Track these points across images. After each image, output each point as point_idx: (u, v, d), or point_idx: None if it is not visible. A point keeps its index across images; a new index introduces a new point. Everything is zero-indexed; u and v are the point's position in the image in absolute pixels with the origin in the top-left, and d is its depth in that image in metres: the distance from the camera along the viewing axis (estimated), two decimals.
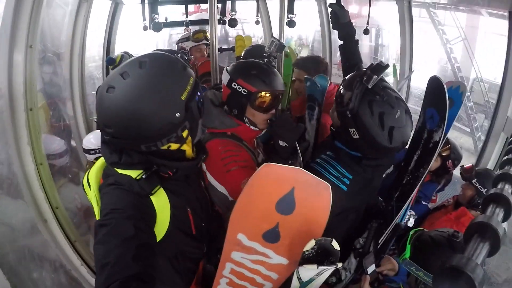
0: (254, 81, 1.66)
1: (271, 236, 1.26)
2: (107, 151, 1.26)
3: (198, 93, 1.27)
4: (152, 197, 1.24)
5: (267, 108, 1.70)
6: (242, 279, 1.42)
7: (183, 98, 1.19)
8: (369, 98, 1.56)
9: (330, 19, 2.20)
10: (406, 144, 1.68)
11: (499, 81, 2.65)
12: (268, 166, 1.16)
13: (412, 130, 1.73)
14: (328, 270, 1.01)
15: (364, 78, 1.55)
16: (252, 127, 1.75)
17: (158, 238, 1.26)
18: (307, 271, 1.02)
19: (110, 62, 3.33)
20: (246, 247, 1.32)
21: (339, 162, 1.72)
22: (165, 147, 1.24)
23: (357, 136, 1.59)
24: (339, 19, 2.10)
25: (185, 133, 1.25)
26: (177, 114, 1.18)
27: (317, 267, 0.99)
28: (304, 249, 1.04)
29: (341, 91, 1.68)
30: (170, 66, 1.21)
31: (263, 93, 1.67)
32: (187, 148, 1.32)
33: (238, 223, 1.28)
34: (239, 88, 1.65)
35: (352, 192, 1.71)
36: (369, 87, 1.55)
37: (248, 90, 1.65)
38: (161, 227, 1.27)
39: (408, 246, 1.43)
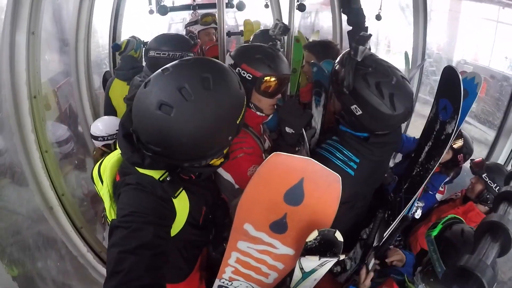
0: (259, 65, 1.59)
1: (278, 227, 1.25)
2: (129, 150, 1.19)
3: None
4: (174, 200, 1.23)
5: (273, 93, 1.65)
6: (247, 268, 1.41)
7: (238, 122, 1.17)
8: (362, 72, 1.53)
9: (340, 4, 2.16)
10: (412, 111, 1.63)
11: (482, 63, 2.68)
12: (277, 156, 1.13)
13: (413, 95, 1.69)
14: (331, 261, 0.99)
15: (352, 52, 1.53)
16: (258, 113, 1.71)
17: (173, 234, 1.27)
18: (310, 262, 1.02)
19: (116, 48, 3.30)
20: (253, 237, 1.30)
21: (345, 145, 1.68)
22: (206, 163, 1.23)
23: (360, 112, 1.56)
24: (350, 3, 2.05)
25: (226, 150, 1.26)
26: (230, 138, 1.17)
27: (319, 259, 0.99)
28: (307, 240, 1.03)
29: (334, 72, 1.65)
30: (233, 87, 1.16)
31: (268, 78, 1.61)
32: (217, 161, 1.32)
33: (245, 213, 1.26)
34: (244, 73, 1.59)
35: (359, 177, 1.68)
36: (359, 59, 1.52)
37: (253, 75, 1.59)
38: (178, 225, 1.28)
39: (440, 226, 1.40)
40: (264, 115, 1.72)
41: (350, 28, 2.19)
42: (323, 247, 1.02)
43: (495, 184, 2.24)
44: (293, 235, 1.25)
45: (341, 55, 1.67)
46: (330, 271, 1.19)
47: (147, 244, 1.06)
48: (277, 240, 1.29)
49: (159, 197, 1.17)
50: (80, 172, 2.97)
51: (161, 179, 1.18)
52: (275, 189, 1.18)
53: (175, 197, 1.21)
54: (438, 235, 1.39)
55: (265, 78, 1.60)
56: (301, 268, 1.04)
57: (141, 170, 1.20)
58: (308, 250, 1.02)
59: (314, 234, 1.02)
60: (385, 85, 1.52)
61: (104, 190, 1.30)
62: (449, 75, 1.76)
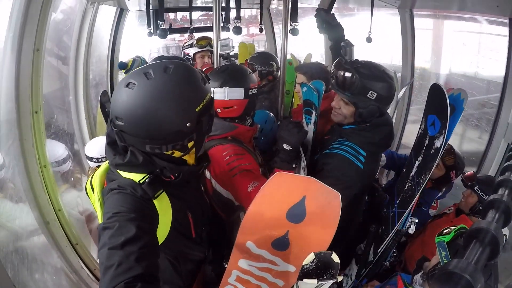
0: (253, 77, 1.82)
1: (280, 244, 1.28)
2: (111, 153, 1.28)
3: (211, 111, 1.29)
4: (155, 201, 1.25)
5: None
6: (248, 286, 1.43)
7: (197, 110, 1.20)
8: (357, 67, 1.79)
9: (317, 25, 2.28)
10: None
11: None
12: (280, 175, 1.18)
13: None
14: (328, 283, 1.02)
15: (346, 56, 1.86)
16: (247, 126, 1.83)
17: (161, 241, 1.27)
18: (307, 285, 1.02)
19: (122, 66, 3.37)
20: (254, 254, 1.33)
21: (351, 141, 1.85)
22: (168, 152, 1.26)
23: (375, 94, 1.77)
24: (328, 23, 2.18)
25: (190, 144, 1.27)
26: (188, 124, 1.19)
27: (317, 281, 0.99)
28: (304, 263, 1.04)
29: (338, 81, 1.85)
30: (193, 76, 1.23)
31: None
32: (189, 158, 1.34)
33: (248, 231, 1.29)
34: (253, 91, 1.79)
35: (368, 170, 1.85)
36: (352, 58, 1.86)
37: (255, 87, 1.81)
38: (163, 230, 1.29)
39: (453, 234, 1.45)
40: (252, 125, 1.85)
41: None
42: (319, 269, 1.04)
43: (487, 196, 2.27)
44: (295, 252, 1.28)
45: (334, 64, 1.93)
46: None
47: (133, 238, 1.10)
48: (279, 257, 1.32)
49: (140, 198, 1.22)
50: (76, 190, 2.96)
51: (141, 181, 1.23)
52: (278, 207, 1.22)
53: (155, 198, 1.25)
54: (450, 242, 1.43)
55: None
56: None
57: (123, 174, 1.26)
58: (306, 273, 1.03)
59: (311, 257, 1.03)
60: (375, 67, 1.82)
61: (95, 199, 1.35)
62: (436, 92, 1.84)
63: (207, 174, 1.69)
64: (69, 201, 2.72)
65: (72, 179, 2.99)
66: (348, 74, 1.78)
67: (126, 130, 1.20)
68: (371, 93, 1.77)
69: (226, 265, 1.45)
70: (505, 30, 2.54)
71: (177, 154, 1.29)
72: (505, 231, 2.00)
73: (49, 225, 2.12)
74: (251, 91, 1.76)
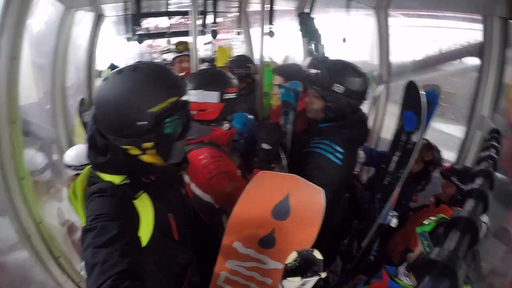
0: (233, 82, 1.83)
1: (267, 242, 1.30)
2: (93, 155, 1.30)
3: (179, 118, 1.29)
4: (136, 202, 1.27)
5: None
6: (236, 287, 1.43)
7: (150, 110, 1.21)
8: (325, 62, 1.93)
9: (299, 28, 2.34)
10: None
11: None
12: (263, 174, 1.20)
13: None
14: (313, 280, 1.03)
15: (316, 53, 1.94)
16: (224, 129, 1.84)
17: (144, 243, 1.28)
18: (292, 283, 1.04)
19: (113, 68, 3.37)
20: (242, 254, 1.34)
21: (329, 139, 1.90)
22: (124, 147, 1.28)
23: (343, 88, 1.86)
24: (308, 28, 2.24)
25: (148, 145, 1.27)
26: (139, 123, 1.21)
27: (301, 279, 1.01)
28: (286, 262, 1.06)
29: (308, 76, 1.98)
30: (156, 78, 1.26)
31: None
32: (147, 158, 1.33)
33: (234, 231, 1.30)
34: (230, 95, 1.78)
35: (345, 166, 1.89)
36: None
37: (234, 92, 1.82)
38: (146, 231, 1.29)
39: (433, 224, 1.49)
40: (229, 129, 1.86)
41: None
42: (303, 267, 1.05)
43: (465, 186, 2.35)
44: (281, 249, 1.30)
45: (308, 64, 2.07)
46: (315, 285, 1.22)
47: (116, 236, 1.11)
48: (266, 255, 1.33)
49: (120, 199, 1.24)
50: (57, 201, 2.90)
51: (121, 183, 1.26)
52: (263, 205, 1.24)
53: (135, 199, 1.26)
54: (432, 231, 1.47)
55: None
56: None
57: (104, 177, 1.28)
58: (289, 271, 1.04)
59: (293, 256, 1.05)
60: (344, 63, 1.94)
61: (78, 205, 1.35)
62: (412, 89, 1.91)
63: (186, 178, 1.69)
64: (49, 212, 2.66)
65: (52, 189, 2.93)
66: (315, 69, 1.90)
67: (98, 118, 1.27)
68: (337, 86, 1.85)
69: (213, 268, 1.46)
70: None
71: (133, 151, 1.29)
72: (485, 219, 2.08)
73: (31, 238, 2.07)
74: (226, 95, 1.77)
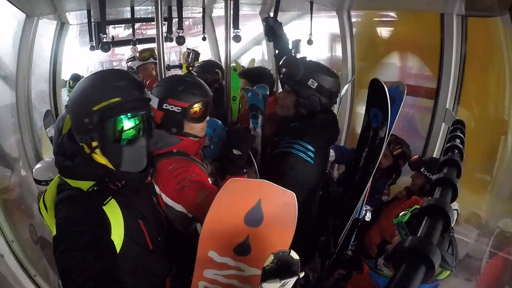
0: (184, 96, 1.68)
1: (242, 250, 1.30)
2: (62, 159, 1.32)
3: (124, 119, 1.30)
4: (105, 208, 1.26)
5: (202, 117, 1.75)
6: None
7: (94, 108, 1.25)
8: (303, 59, 2.04)
9: (265, 33, 2.35)
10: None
11: None
12: (233, 182, 1.20)
13: None
14: (292, 280, 1.04)
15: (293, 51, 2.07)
16: (192, 138, 1.77)
17: (117, 249, 1.28)
18: (271, 285, 1.04)
19: (75, 79, 3.37)
20: (218, 263, 1.34)
21: (300, 138, 1.91)
22: (81, 144, 1.30)
23: (316, 83, 1.90)
24: (275, 32, 2.25)
25: (94, 143, 1.29)
26: (85, 120, 1.25)
27: (280, 281, 1.01)
28: (264, 265, 1.06)
29: (285, 70, 2.03)
30: (104, 78, 1.33)
31: (195, 105, 1.70)
32: (98, 158, 1.33)
33: (208, 240, 1.30)
34: (172, 108, 1.67)
35: (317, 165, 1.91)
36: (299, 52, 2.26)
37: (182, 107, 1.67)
38: (117, 238, 1.28)
39: (409, 214, 1.55)
40: (199, 139, 1.79)
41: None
42: (281, 268, 1.06)
43: (434, 176, 2.44)
44: (258, 255, 1.31)
45: (283, 61, 2.10)
46: (296, 284, 1.24)
47: (89, 242, 1.12)
48: (243, 262, 1.34)
49: (88, 205, 1.25)
50: (28, 218, 2.80)
51: (89, 189, 1.27)
52: (235, 213, 1.24)
53: (104, 205, 1.27)
54: (408, 222, 1.53)
55: (193, 106, 1.69)
56: None
57: (72, 184, 1.29)
58: (268, 274, 1.04)
59: (270, 258, 1.05)
60: (320, 63, 2.04)
61: (49, 217, 1.33)
62: (376, 86, 1.97)
63: (157, 189, 1.67)
64: (21, 230, 2.57)
65: (22, 206, 2.83)
66: (293, 64, 1.95)
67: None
68: (311, 81, 1.89)
69: (191, 278, 1.45)
70: None
71: (86, 149, 1.31)
72: (456, 206, 2.17)
73: (4, 258, 2.01)
74: (166, 106, 1.67)
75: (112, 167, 1.34)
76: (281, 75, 2.03)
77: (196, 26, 5.85)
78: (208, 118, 1.79)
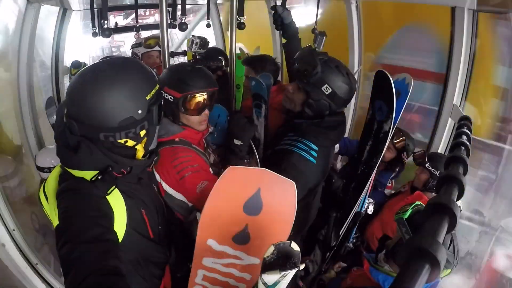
0: (178, 85, 1.65)
1: (241, 238, 1.29)
2: (64, 151, 1.28)
3: (160, 103, 1.33)
4: (108, 198, 1.25)
5: (196, 109, 1.70)
6: (215, 284, 1.43)
7: (147, 98, 1.25)
8: (323, 59, 1.81)
9: (273, 21, 2.29)
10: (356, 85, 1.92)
11: None
12: (233, 169, 1.18)
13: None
14: (292, 272, 1.02)
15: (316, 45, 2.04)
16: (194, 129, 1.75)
17: (119, 240, 1.26)
18: (271, 277, 1.03)
19: (76, 65, 3.40)
20: (217, 251, 1.34)
21: (303, 136, 1.86)
22: (121, 141, 1.27)
23: (330, 90, 1.79)
24: (283, 20, 2.19)
25: (142, 133, 1.30)
26: (139, 111, 1.24)
27: (280, 272, 1.00)
28: (264, 256, 1.05)
29: (300, 65, 1.85)
30: (142, 67, 1.31)
31: (189, 96, 1.66)
32: (140, 148, 1.35)
33: (207, 229, 1.29)
34: (166, 96, 1.65)
35: (320, 164, 1.87)
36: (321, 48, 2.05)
37: (174, 96, 1.65)
38: (120, 227, 1.28)
39: (410, 210, 1.51)
40: (200, 131, 1.76)
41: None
42: (281, 259, 1.05)
43: (438, 172, 2.41)
44: (257, 244, 1.30)
45: (299, 53, 1.94)
46: (294, 276, 1.24)
47: (92, 234, 1.11)
48: (242, 251, 1.33)
49: (93, 195, 1.23)
50: (30, 206, 2.80)
51: (93, 179, 1.24)
52: (234, 201, 1.23)
53: (108, 194, 1.26)
54: (409, 218, 1.51)
55: (186, 97, 1.66)
56: (264, 283, 1.06)
57: (75, 173, 1.26)
58: (268, 265, 1.03)
59: (271, 249, 1.04)
60: (341, 66, 1.83)
61: (50, 208, 1.32)
62: (381, 78, 1.93)
63: (157, 177, 1.66)
64: (23, 218, 2.58)
65: (24, 194, 2.83)
66: (311, 62, 1.79)
67: (80, 119, 1.21)
68: (326, 87, 1.78)
69: (191, 266, 1.44)
70: None
71: (130, 143, 1.30)
72: (459, 202, 2.14)
73: (5, 247, 2.01)
74: (163, 93, 1.61)
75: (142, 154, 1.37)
76: (294, 69, 1.91)
77: (194, 13, 5.75)
78: (207, 111, 1.74)
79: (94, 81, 1.20)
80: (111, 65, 1.26)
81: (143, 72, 1.28)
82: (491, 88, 2.72)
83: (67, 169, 1.28)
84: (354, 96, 3.20)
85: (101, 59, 1.35)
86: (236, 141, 1.69)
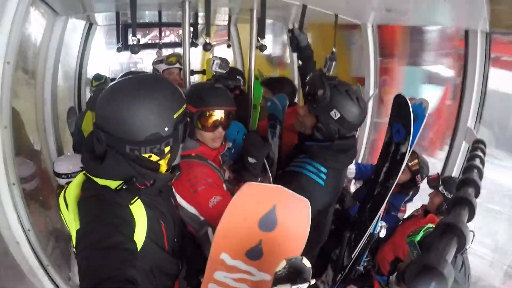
0: (195, 101, 1.70)
1: (254, 254, 1.30)
2: (89, 158, 1.31)
3: (186, 121, 1.38)
4: (131, 207, 1.27)
5: (210, 126, 1.73)
6: None
7: (175, 116, 1.29)
8: (332, 84, 1.83)
9: (289, 43, 2.33)
10: (367, 109, 1.93)
11: None
12: (249, 186, 1.20)
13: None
14: (303, 287, 1.01)
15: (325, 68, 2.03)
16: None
17: (138, 249, 1.28)
18: None
19: (97, 78, 3.56)
20: (229, 266, 1.34)
21: (313, 159, 1.88)
22: (146, 155, 1.30)
23: (339, 115, 1.80)
24: (298, 43, 2.23)
25: (166, 149, 1.33)
26: (166, 128, 1.27)
27: (291, 286, 1.00)
28: (276, 270, 1.05)
29: (310, 89, 1.89)
30: (172, 86, 1.34)
31: (203, 112, 1.71)
32: (164, 164, 1.38)
33: (221, 243, 1.30)
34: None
35: (329, 186, 1.88)
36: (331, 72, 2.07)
37: (190, 111, 1.67)
38: (139, 238, 1.29)
39: (422, 233, 1.53)
40: (213, 149, 1.79)
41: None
42: (292, 275, 1.05)
43: (452, 195, 2.37)
44: (269, 260, 1.30)
45: (309, 77, 1.99)
46: None
47: (112, 242, 1.12)
48: (254, 266, 1.34)
49: (116, 203, 1.25)
50: (45, 209, 2.86)
51: (118, 188, 1.26)
52: (249, 217, 1.24)
53: (131, 204, 1.27)
54: (421, 240, 1.50)
55: (200, 112, 1.71)
56: None
57: (100, 182, 1.28)
58: (279, 279, 1.03)
59: (283, 264, 1.05)
60: (351, 91, 1.84)
61: (70, 215, 1.33)
62: (399, 102, 1.94)
63: (172, 189, 1.69)
64: (37, 220, 2.63)
65: (41, 197, 2.89)
66: (320, 86, 1.81)
67: (108, 130, 1.25)
68: (334, 112, 1.80)
69: (201, 279, 1.45)
70: None
71: (154, 158, 1.33)
72: (472, 227, 2.11)
73: (19, 245, 2.04)
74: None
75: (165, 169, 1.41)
76: (306, 92, 1.95)
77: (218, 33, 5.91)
78: (221, 129, 1.77)
79: (125, 96, 1.24)
80: (142, 82, 1.30)
81: (172, 91, 1.32)
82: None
83: (91, 177, 1.30)
84: (369, 119, 3.23)
85: (125, 73, 1.40)
86: (250, 159, 1.72)
